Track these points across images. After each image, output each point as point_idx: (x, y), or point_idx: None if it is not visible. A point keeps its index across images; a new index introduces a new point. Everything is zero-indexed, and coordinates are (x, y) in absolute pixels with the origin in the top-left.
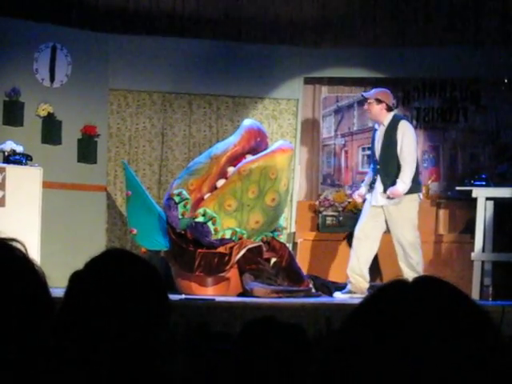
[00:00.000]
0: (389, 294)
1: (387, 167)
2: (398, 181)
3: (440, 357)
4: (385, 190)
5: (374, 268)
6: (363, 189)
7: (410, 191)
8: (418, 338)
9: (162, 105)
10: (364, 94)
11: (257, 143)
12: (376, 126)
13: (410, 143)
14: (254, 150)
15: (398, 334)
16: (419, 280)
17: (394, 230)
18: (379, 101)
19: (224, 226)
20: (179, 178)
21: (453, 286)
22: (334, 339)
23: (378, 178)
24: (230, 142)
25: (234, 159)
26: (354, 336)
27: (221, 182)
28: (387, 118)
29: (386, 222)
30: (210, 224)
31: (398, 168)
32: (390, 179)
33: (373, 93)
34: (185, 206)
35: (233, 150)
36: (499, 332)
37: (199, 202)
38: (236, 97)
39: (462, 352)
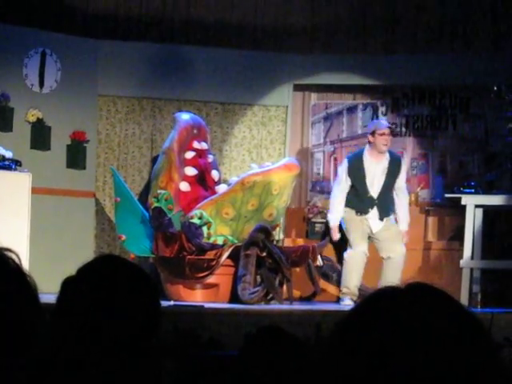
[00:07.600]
0: (381, 300)
1: (387, 199)
2: (405, 220)
3: (432, 362)
4: (381, 218)
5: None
6: (338, 218)
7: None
8: (411, 343)
9: (151, 111)
10: (389, 125)
11: (194, 134)
12: (371, 155)
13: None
14: (196, 137)
15: (390, 339)
16: (411, 286)
17: (385, 245)
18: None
19: (218, 232)
20: (150, 190)
21: (444, 292)
22: (325, 345)
23: (375, 209)
24: (173, 134)
25: (184, 143)
26: (345, 342)
27: (210, 178)
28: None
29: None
30: (204, 228)
31: (392, 198)
32: (387, 209)
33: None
34: (166, 200)
35: (180, 136)
36: (490, 337)
37: (179, 192)
38: (225, 103)
39: (454, 357)
